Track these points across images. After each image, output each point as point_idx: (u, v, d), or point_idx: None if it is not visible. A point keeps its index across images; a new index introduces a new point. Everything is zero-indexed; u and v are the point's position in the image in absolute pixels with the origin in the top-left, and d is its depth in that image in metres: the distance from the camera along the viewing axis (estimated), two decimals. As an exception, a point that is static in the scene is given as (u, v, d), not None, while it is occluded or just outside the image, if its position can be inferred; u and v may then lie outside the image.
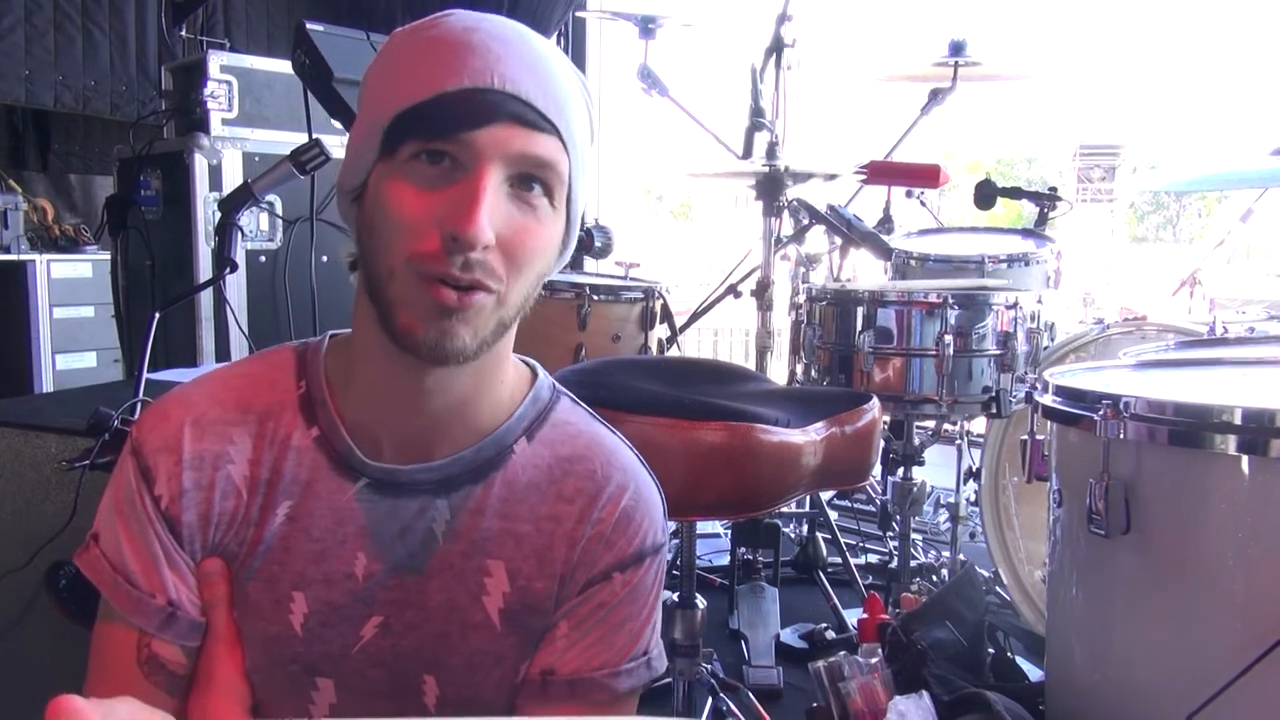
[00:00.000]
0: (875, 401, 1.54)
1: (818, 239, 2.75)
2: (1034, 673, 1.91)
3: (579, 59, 4.54)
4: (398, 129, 0.73)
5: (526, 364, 0.90)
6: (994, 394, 2.11)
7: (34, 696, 0.62)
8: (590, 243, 2.77)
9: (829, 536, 2.80)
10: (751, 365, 2.38)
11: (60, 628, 1.37)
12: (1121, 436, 1.23)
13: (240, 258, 1.97)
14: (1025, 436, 1.48)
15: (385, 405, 0.81)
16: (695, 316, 3.03)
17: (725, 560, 2.72)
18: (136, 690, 0.78)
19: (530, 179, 0.75)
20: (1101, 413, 1.25)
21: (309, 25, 2.19)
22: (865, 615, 1.79)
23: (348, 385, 0.83)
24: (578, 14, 3.66)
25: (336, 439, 0.82)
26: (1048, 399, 1.41)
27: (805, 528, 2.93)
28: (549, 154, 0.75)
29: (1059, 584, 1.48)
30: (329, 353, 0.86)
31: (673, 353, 2.48)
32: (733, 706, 1.76)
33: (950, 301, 2.06)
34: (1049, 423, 1.44)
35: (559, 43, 4.44)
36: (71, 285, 3.83)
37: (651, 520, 0.87)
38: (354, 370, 0.83)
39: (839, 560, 2.71)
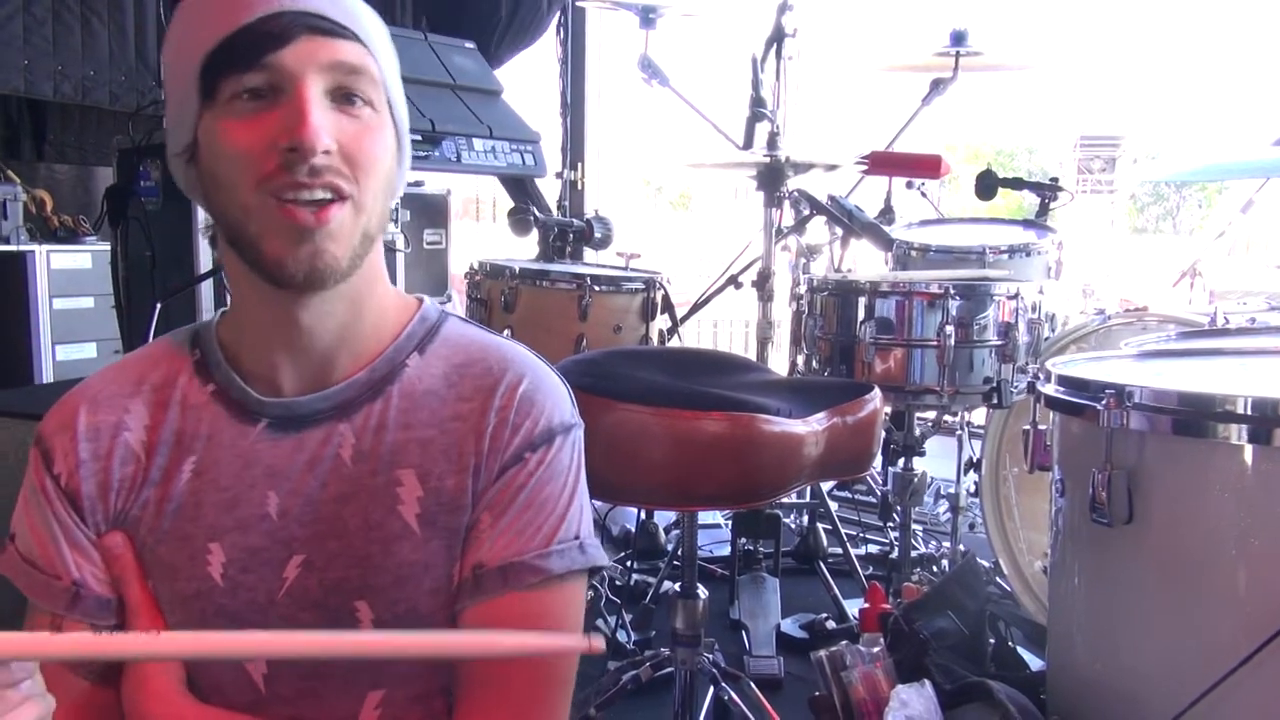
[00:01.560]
0: (876, 392, 1.54)
1: (818, 230, 2.75)
2: (1035, 662, 1.91)
3: (579, 49, 4.53)
4: (210, 72, 0.76)
5: (416, 298, 0.93)
6: (995, 385, 2.11)
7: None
8: (590, 233, 2.77)
9: (830, 527, 2.80)
10: (752, 356, 2.38)
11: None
12: (1125, 426, 1.23)
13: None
14: (1028, 426, 1.48)
15: (275, 349, 0.84)
16: (696, 307, 3.03)
17: (726, 551, 2.72)
18: (49, 674, 0.79)
19: (349, 94, 0.78)
20: (1105, 402, 1.25)
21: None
22: (867, 605, 1.79)
23: (239, 344, 0.87)
24: (577, 4, 3.64)
25: (232, 388, 0.85)
26: (1050, 389, 1.41)
27: (806, 518, 2.93)
28: (356, 58, 0.78)
29: (1061, 573, 1.48)
30: (220, 323, 0.90)
31: (674, 343, 2.48)
32: (734, 696, 1.76)
33: (951, 292, 2.05)
34: (1051, 412, 1.44)
35: (558, 33, 4.43)
36: (71, 276, 3.82)
37: (555, 400, 0.87)
38: (241, 328, 0.86)
39: (840, 551, 2.71)
